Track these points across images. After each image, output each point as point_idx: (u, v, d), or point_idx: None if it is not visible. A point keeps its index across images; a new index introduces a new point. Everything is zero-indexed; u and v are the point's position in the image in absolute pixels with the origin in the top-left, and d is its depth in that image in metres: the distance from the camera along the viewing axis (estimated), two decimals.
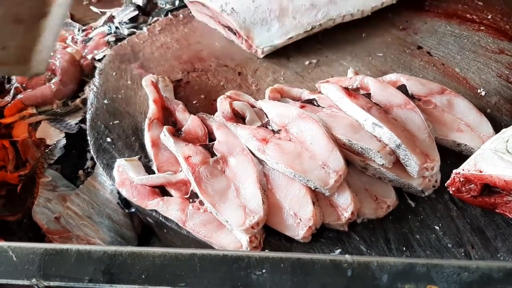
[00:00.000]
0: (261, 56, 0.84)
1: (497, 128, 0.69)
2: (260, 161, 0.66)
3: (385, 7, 0.89)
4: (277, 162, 0.63)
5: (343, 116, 0.69)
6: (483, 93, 0.77)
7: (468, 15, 0.90)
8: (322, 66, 0.83)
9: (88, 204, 0.75)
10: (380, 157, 0.63)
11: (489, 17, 0.89)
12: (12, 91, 0.88)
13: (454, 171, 0.63)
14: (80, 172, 0.78)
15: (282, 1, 0.84)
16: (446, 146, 0.69)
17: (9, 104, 0.86)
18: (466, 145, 0.68)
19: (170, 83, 0.79)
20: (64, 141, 0.80)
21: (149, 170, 0.69)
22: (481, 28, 0.87)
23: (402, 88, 0.74)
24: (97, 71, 0.82)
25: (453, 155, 0.69)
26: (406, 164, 0.64)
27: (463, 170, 0.62)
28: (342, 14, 0.85)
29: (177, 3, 1.04)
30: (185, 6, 0.96)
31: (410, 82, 0.75)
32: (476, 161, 0.62)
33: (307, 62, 0.84)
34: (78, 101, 0.86)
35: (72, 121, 0.84)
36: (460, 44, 0.85)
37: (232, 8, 0.83)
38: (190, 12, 0.93)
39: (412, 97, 0.73)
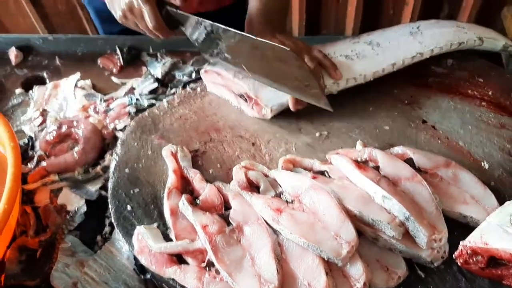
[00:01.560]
0: (270, 115, 0.89)
1: (501, 201, 0.72)
2: (275, 231, 0.68)
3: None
4: (291, 232, 0.66)
5: (354, 188, 0.72)
6: (486, 166, 0.81)
7: (469, 91, 0.95)
8: (332, 138, 0.87)
9: (105, 270, 0.76)
10: (390, 228, 0.66)
11: (490, 93, 0.94)
12: (35, 158, 0.92)
13: (461, 243, 0.66)
14: (98, 237, 0.80)
15: None
16: (452, 217, 0.72)
17: (32, 171, 0.89)
18: (472, 217, 0.71)
19: (188, 153, 0.83)
20: (84, 208, 0.83)
21: (167, 238, 0.72)
22: (483, 103, 0.92)
23: (409, 161, 0.78)
24: (119, 141, 0.87)
25: (459, 227, 0.72)
26: (415, 236, 0.67)
27: (469, 242, 0.65)
28: (345, 78, 0.91)
29: (193, 75, 1.10)
30: (201, 78, 1.02)
31: (416, 156, 0.78)
32: (482, 233, 0.65)
33: (317, 134, 0.88)
34: (98, 168, 0.89)
35: (92, 187, 0.87)
36: (462, 119, 0.90)
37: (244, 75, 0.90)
38: (204, 87, 0.99)
39: (419, 170, 0.77)
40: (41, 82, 1.15)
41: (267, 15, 0.95)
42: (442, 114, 0.91)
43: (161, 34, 0.91)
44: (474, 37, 1.00)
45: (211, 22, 0.86)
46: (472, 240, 0.65)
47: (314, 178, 0.74)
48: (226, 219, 0.71)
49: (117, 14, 0.94)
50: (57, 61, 1.19)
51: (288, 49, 0.79)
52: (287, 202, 0.72)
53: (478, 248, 0.63)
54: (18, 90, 1.12)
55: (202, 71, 0.99)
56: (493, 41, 1.03)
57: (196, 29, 0.90)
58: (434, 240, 0.66)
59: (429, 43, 0.97)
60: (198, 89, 0.99)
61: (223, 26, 0.85)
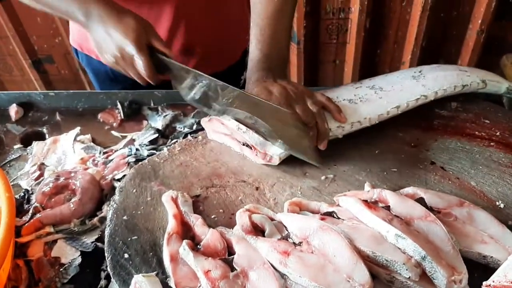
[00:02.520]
0: (277, 162, 0.87)
1: None
2: (282, 275, 0.64)
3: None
4: (300, 275, 0.61)
5: (365, 228, 0.68)
6: (501, 206, 0.77)
7: (477, 132, 0.93)
8: (338, 181, 0.84)
9: None
10: (406, 269, 0.62)
11: (497, 133, 0.92)
12: (31, 211, 0.88)
13: (484, 283, 0.61)
14: None
15: None
16: (471, 258, 0.68)
17: (26, 224, 0.86)
18: (492, 257, 0.66)
19: (189, 198, 0.80)
20: (79, 260, 0.78)
21: (166, 287, 0.67)
22: (491, 144, 0.90)
23: (421, 201, 0.74)
24: (117, 189, 0.84)
25: (479, 268, 0.67)
26: (433, 277, 0.62)
27: (493, 281, 0.60)
28: (350, 122, 0.89)
29: (194, 127, 1.09)
30: (202, 129, 1.01)
31: (428, 195, 0.75)
32: (505, 272, 0.61)
33: (323, 177, 0.85)
34: (95, 220, 0.85)
35: (89, 239, 0.82)
36: (472, 159, 0.87)
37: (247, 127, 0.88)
38: (205, 135, 0.98)
39: (431, 209, 0.73)
40: (41, 137, 1.14)
41: (268, 62, 0.96)
42: (451, 155, 0.88)
43: (151, 81, 0.92)
44: (478, 80, 1.00)
45: (197, 71, 0.89)
46: (496, 280, 0.60)
47: (322, 219, 0.71)
48: (229, 264, 0.66)
49: (107, 59, 0.94)
50: (58, 117, 1.18)
51: (286, 110, 0.82)
52: (294, 244, 0.68)
53: (504, 286, 0.59)
54: (17, 146, 1.10)
55: (204, 119, 0.97)
56: (496, 83, 1.03)
57: (184, 77, 0.92)
58: (454, 282, 0.62)
59: (432, 86, 0.96)
60: (200, 137, 0.97)
61: (210, 77, 0.87)
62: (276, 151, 0.86)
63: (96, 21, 0.92)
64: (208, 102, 0.93)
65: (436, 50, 2.22)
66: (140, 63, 0.88)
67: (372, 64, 2.30)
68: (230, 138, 0.93)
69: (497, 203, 0.78)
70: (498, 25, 2.14)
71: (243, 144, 0.91)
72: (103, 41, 0.92)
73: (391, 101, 0.93)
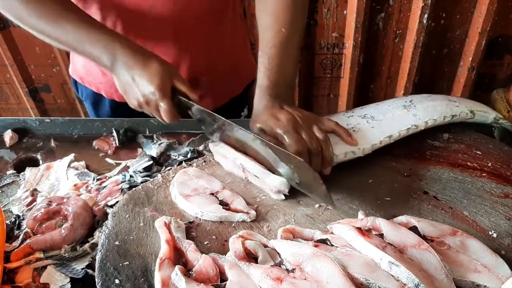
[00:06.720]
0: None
1: None
2: None
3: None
4: None
5: (359, 255, 0.68)
6: (494, 235, 0.77)
7: (469, 163, 0.94)
8: (332, 209, 0.84)
9: None
10: None
11: (489, 164, 0.93)
12: (21, 236, 0.87)
13: None
14: None
15: None
16: (464, 287, 0.67)
17: (16, 249, 0.84)
18: (485, 286, 0.66)
19: (182, 224, 0.80)
20: (68, 287, 0.77)
21: None
22: (483, 174, 0.91)
23: (414, 230, 0.74)
24: (110, 214, 0.83)
25: None
26: None
27: None
28: (343, 152, 0.90)
29: (189, 155, 1.09)
30: (197, 157, 1.02)
31: (421, 224, 0.75)
32: None
33: (317, 205, 0.85)
34: (87, 246, 0.84)
35: (79, 266, 0.81)
36: (465, 189, 0.88)
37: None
38: (203, 161, 0.98)
39: (424, 238, 0.73)
40: (34, 163, 1.14)
41: (275, 89, 0.97)
42: (443, 185, 0.89)
43: (171, 122, 0.97)
44: (466, 110, 1.02)
45: (217, 115, 0.93)
46: None
47: (316, 246, 0.70)
48: None
49: (132, 103, 0.99)
50: (52, 143, 1.19)
51: (299, 158, 0.82)
52: (287, 270, 0.67)
53: None
54: (10, 171, 1.10)
55: (211, 144, 1.00)
56: (484, 114, 1.05)
57: (205, 119, 0.98)
58: None
59: (423, 116, 0.98)
60: (194, 165, 0.97)
61: (229, 121, 0.91)
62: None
63: (121, 66, 0.95)
64: (227, 140, 0.98)
65: (428, 85, 2.27)
66: (163, 109, 0.94)
67: (366, 99, 2.34)
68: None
69: (490, 232, 0.78)
70: (488, 63, 2.20)
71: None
72: (129, 86, 0.96)
73: (383, 130, 0.94)
